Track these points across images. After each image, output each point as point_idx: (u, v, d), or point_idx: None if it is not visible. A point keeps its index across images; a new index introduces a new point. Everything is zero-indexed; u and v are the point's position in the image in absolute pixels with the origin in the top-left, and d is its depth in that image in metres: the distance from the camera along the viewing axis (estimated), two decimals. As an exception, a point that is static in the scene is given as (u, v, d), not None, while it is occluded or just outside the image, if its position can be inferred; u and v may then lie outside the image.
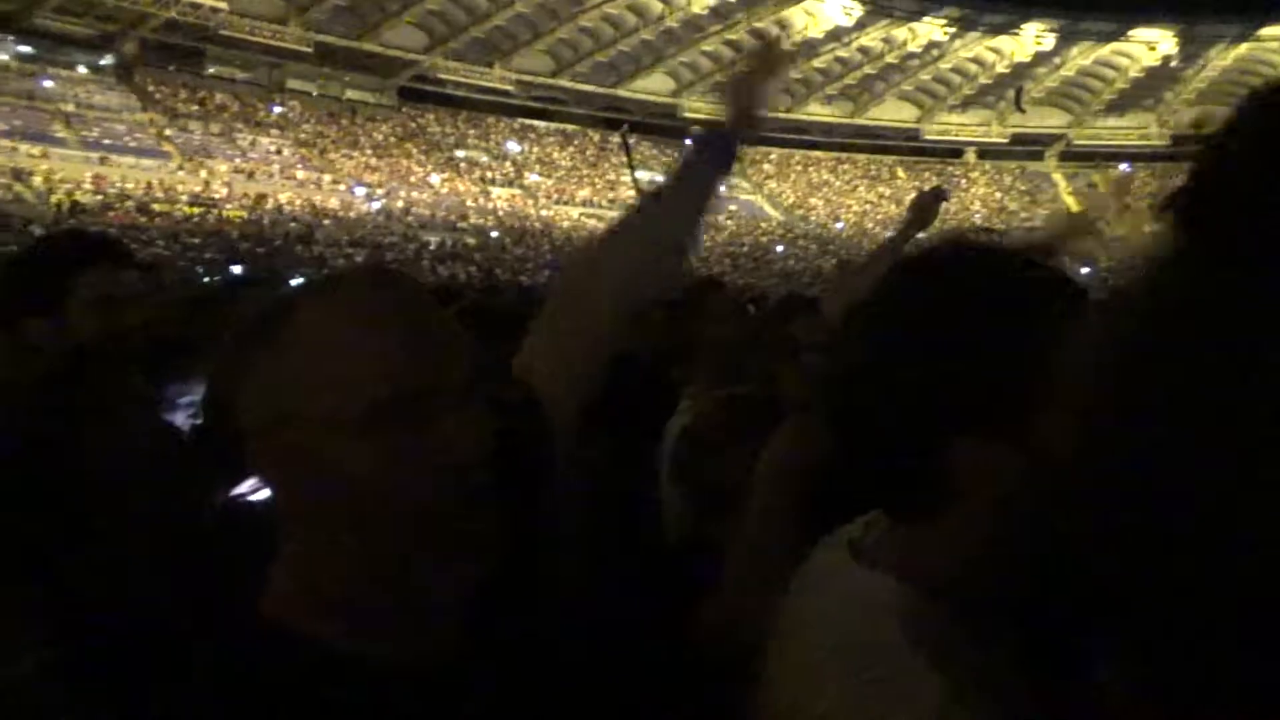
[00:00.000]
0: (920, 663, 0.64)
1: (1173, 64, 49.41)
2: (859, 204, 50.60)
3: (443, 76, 42.89)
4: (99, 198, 27.23)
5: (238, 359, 0.75)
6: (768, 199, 49.90)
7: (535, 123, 47.33)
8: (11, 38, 33.31)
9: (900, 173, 53.41)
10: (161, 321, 2.06)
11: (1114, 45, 49.71)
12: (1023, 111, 51.12)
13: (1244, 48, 47.10)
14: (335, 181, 35.60)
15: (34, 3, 32.76)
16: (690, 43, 46.30)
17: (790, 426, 1.52)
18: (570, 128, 48.42)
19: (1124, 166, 52.13)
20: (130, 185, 28.92)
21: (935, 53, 49.88)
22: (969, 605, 0.66)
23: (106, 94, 34.14)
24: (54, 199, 25.89)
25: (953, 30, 48.59)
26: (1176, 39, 48.34)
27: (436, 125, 43.83)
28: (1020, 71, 50.57)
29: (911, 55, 49.86)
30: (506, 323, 1.79)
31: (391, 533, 0.71)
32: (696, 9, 43.10)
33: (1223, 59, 48.27)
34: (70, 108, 32.09)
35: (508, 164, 43.60)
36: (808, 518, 1.52)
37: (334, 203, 33.41)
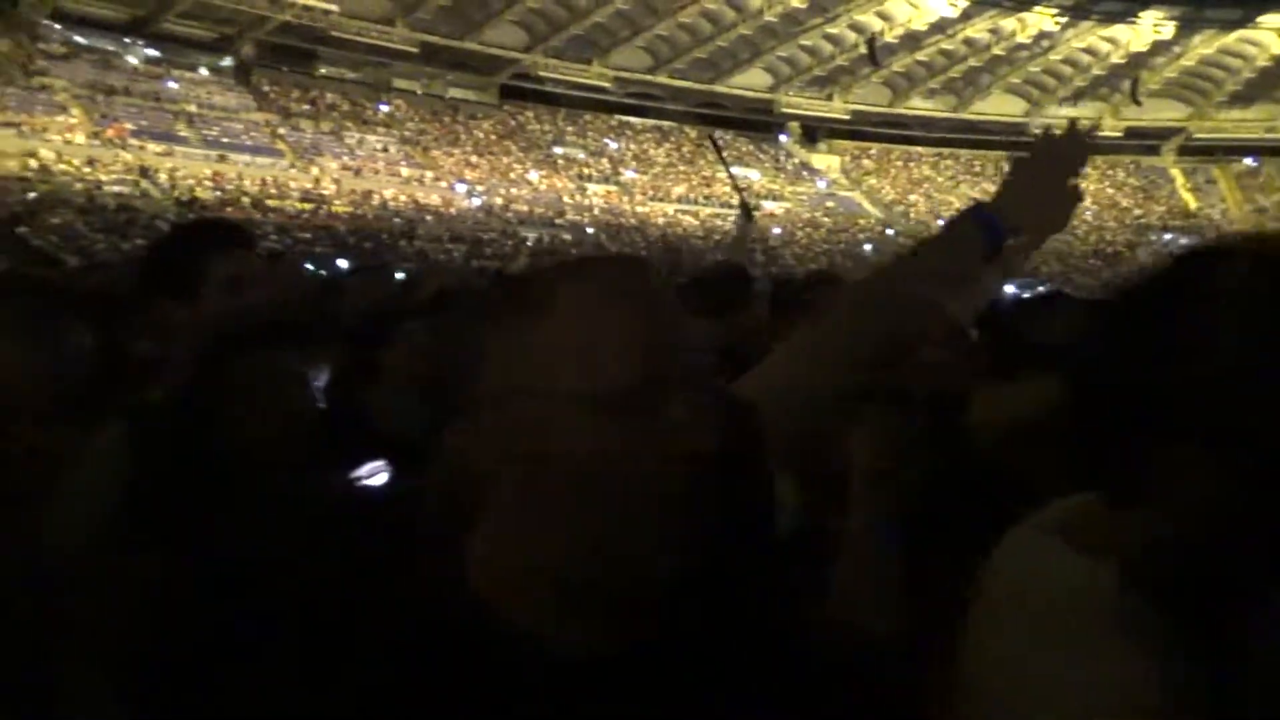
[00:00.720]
0: (1127, 642, 0.66)
1: (1306, 52, 46.56)
2: (962, 201, 49.23)
3: (542, 74, 43.49)
4: (218, 194, 28.55)
5: (473, 330, 0.77)
6: (866, 195, 49.01)
7: (632, 119, 47.55)
8: (140, 42, 35.19)
9: (1007, 168, 51.71)
10: (282, 306, 2.16)
11: (1240, 33, 47.07)
12: (1139, 104, 48.89)
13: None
14: (437, 178, 36.49)
15: (160, 8, 34.51)
16: (788, 37, 45.77)
17: (881, 427, 1.48)
18: (667, 124, 48.49)
19: (1249, 161, 49.34)
20: (246, 182, 30.22)
21: (1045, 43, 48.12)
22: (1171, 586, 0.67)
23: (225, 94, 35.75)
24: (176, 195, 27.26)
25: (1064, 20, 46.78)
26: (1311, 25, 45.54)
27: (535, 122, 44.46)
28: (1137, 62, 48.35)
29: (1020, 46, 48.21)
30: None
31: (611, 516, 0.72)
32: (795, 3, 42.58)
33: (1363, 46, 45.30)
34: (192, 108, 33.71)
35: (604, 161, 43.94)
36: (911, 520, 1.50)
37: (436, 199, 34.26)
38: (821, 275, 3.25)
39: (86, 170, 27.06)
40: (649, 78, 46.63)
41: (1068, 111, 51.92)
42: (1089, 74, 49.85)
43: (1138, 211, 46.97)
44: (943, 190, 50.28)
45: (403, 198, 33.21)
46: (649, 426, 0.71)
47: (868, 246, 39.34)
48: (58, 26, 33.48)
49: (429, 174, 36.57)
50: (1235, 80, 49.03)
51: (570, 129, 45.25)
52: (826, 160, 50.67)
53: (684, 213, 41.56)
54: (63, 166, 26.64)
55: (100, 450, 1.53)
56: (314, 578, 1.48)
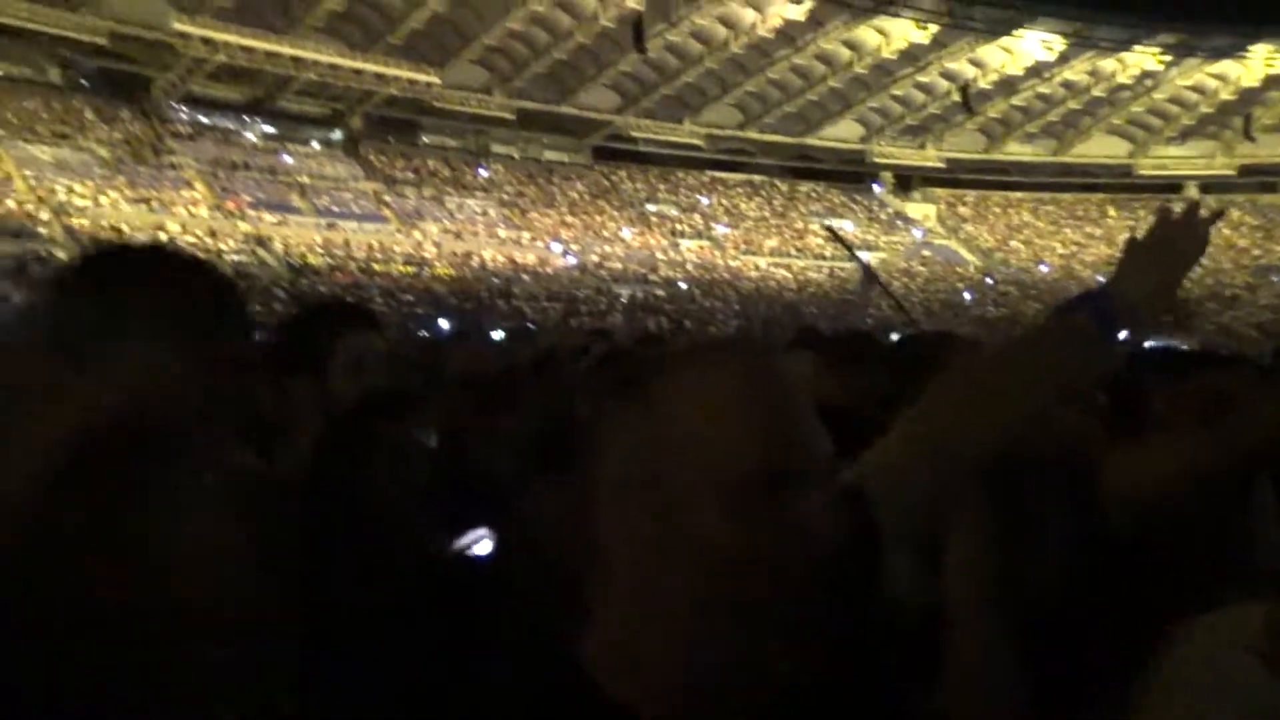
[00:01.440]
0: None
1: None
2: (1065, 245, 47.87)
3: (634, 134, 44.42)
4: (327, 260, 29.89)
5: (600, 414, 0.76)
6: (964, 243, 48.12)
7: (723, 175, 48.01)
8: (259, 119, 37.46)
9: (1111, 211, 50.17)
10: (399, 377, 2.26)
11: (1362, 63, 44.91)
12: (1253, 140, 46.90)
13: None
14: (534, 239, 37.44)
15: (277, 87, 36.69)
16: (879, 88, 45.70)
17: (986, 523, 1.28)
18: (758, 178, 48.77)
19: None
20: (354, 248, 31.57)
21: (1149, 83, 46.77)
22: None
23: (335, 165, 37.62)
24: (289, 261, 28.66)
25: (1168, 58, 45.44)
26: None
27: (628, 181, 45.31)
28: (1249, 98, 46.51)
29: (1122, 87, 46.98)
30: None
31: (729, 608, 0.71)
32: (886, 54, 42.56)
33: None
34: (305, 179, 35.55)
35: (696, 216, 44.37)
36: (1035, 625, 1.32)
37: (532, 259, 35.11)
38: (941, 337, 3.15)
39: (208, 240, 28.73)
40: (739, 133, 47.11)
41: (1175, 151, 50.18)
42: (1197, 112, 48.16)
43: (1256, 252, 44.77)
44: (1044, 235, 49.01)
45: (500, 258, 34.16)
46: (775, 520, 0.70)
47: (967, 295, 38.50)
48: (185, 109, 35.93)
49: (525, 235, 37.56)
50: (1359, 112, 46.66)
51: (662, 186, 45.94)
52: (922, 209, 50.06)
53: (777, 266, 41.50)
54: (187, 238, 28.34)
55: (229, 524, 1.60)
56: (429, 644, 1.53)
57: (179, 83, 34.74)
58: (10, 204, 26.24)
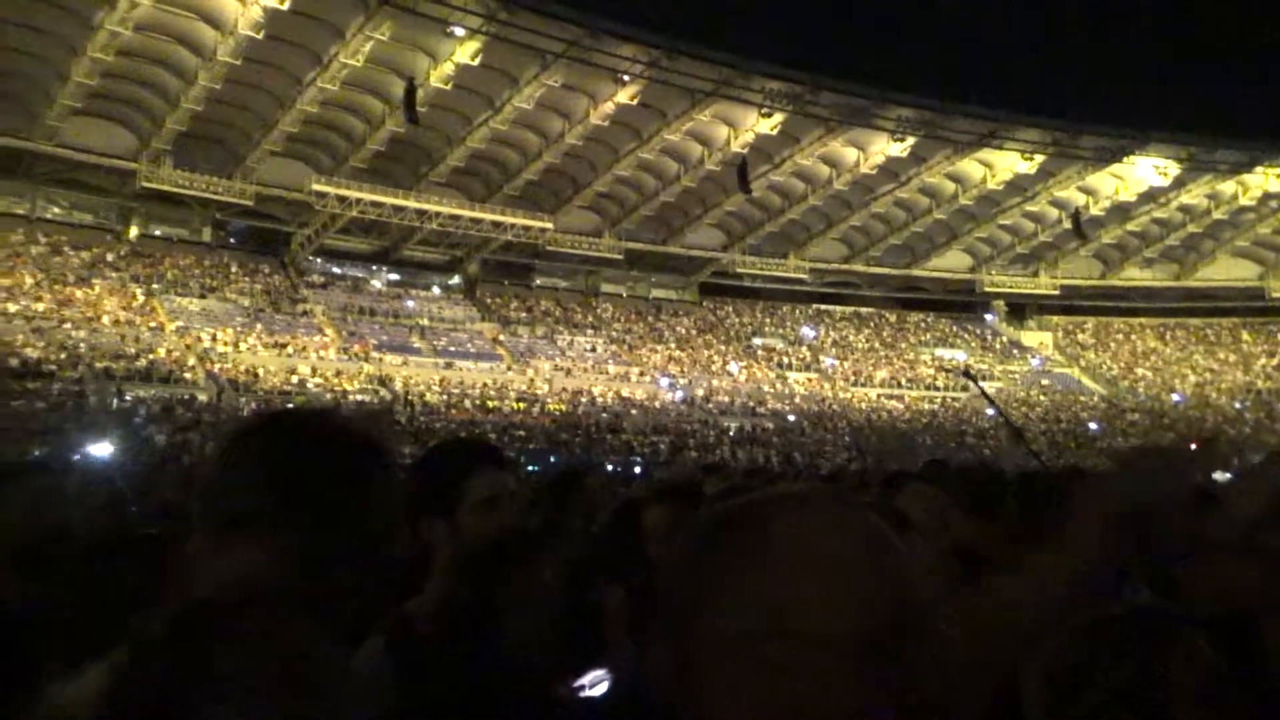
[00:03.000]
0: None
1: None
2: (1196, 372, 45.63)
3: (740, 270, 45.28)
4: (444, 397, 31.01)
5: (701, 568, 0.76)
6: (1086, 371, 46.46)
7: (829, 307, 48.16)
8: (385, 267, 39.95)
9: (1245, 335, 47.83)
10: (525, 516, 2.33)
11: None
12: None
13: None
14: (642, 374, 38.05)
15: (402, 238, 39.19)
16: (986, 218, 45.57)
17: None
18: (865, 310, 48.71)
19: None
20: (470, 385, 32.72)
21: (1274, 204, 45.20)
22: None
23: (453, 308, 39.51)
24: (410, 401, 29.85)
25: (1293, 177, 43.95)
26: None
27: (734, 316, 45.91)
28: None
29: (1244, 209, 45.52)
30: None
31: None
32: (991, 185, 42.61)
33: None
34: (425, 322, 37.39)
35: (803, 349, 44.39)
36: None
37: (640, 393, 35.58)
38: (1070, 473, 3.05)
39: (334, 380, 30.29)
40: (845, 266, 47.43)
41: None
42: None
43: None
44: (1172, 361, 46.93)
45: (610, 394, 34.75)
46: (892, 673, 0.70)
47: (1093, 425, 36.88)
48: (318, 260, 38.69)
49: (634, 370, 38.22)
50: None
51: (768, 320, 46.33)
52: (1037, 337, 48.83)
53: (888, 396, 40.85)
54: (316, 379, 29.97)
55: (366, 662, 1.64)
56: None
57: (314, 237, 37.55)
58: (161, 352, 28.41)
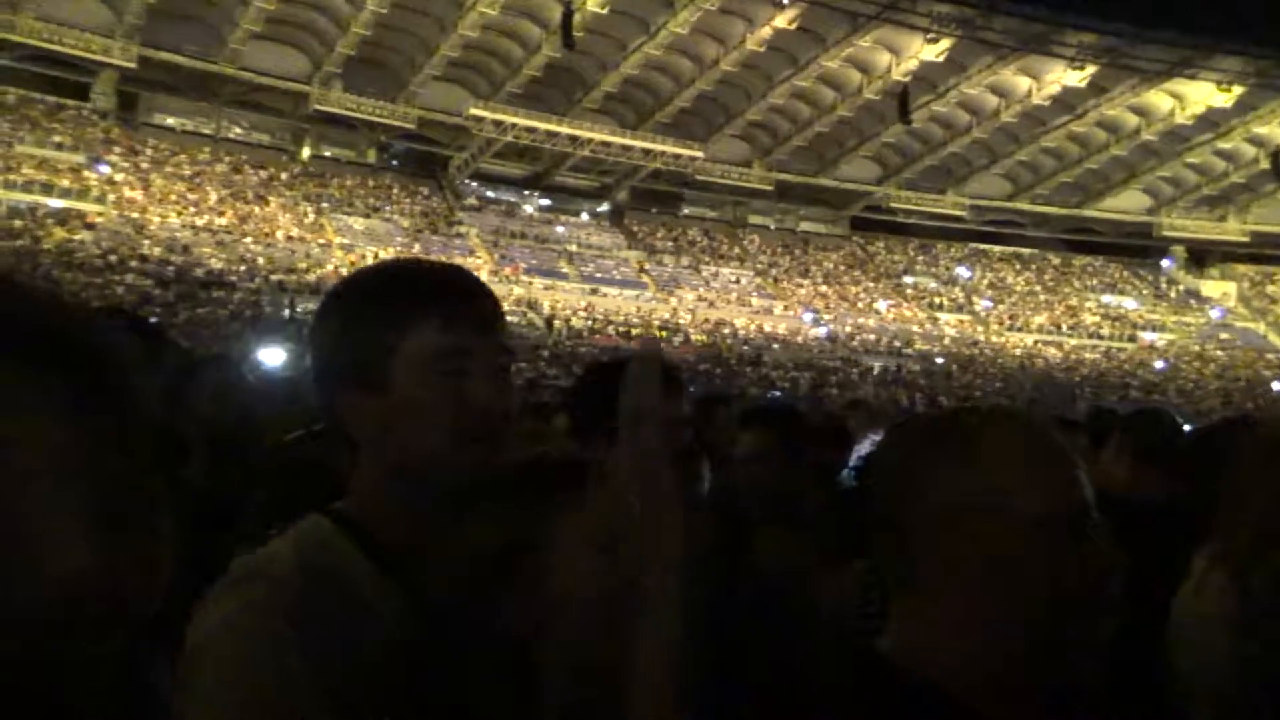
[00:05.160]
0: None
1: None
2: (1404, 332, 41.38)
3: (893, 205, 43.70)
4: (589, 323, 31.63)
5: (922, 458, 0.94)
6: (1275, 327, 42.81)
7: (987, 247, 45.96)
8: (537, 193, 40.70)
9: None
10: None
11: None
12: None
13: None
14: (786, 308, 37.59)
15: (554, 164, 39.73)
16: (1171, 156, 42.06)
17: None
18: (1026, 251, 46.23)
19: None
20: (614, 312, 33.23)
21: None
22: None
23: (601, 235, 39.96)
24: (556, 325, 30.61)
25: None
26: None
27: (885, 252, 44.52)
28: None
29: None
30: None
31: (1047, 615, 0.87)
32: (1180, 119, 39.18)
33: None
34: (573, 248, 38.02)
35: (957, 290, 42.69)
36: None
37: (783, 328, 35.23)
38: (1239, 424, 2.80)
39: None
40: (1008, 204, 45.02)
41: None
42: None
43: None
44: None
45: (752, 327, 34.56)
46: (1078, 549, 0.87)
47: (1277, 385, 34.11)
48: (474, 184, 39.77)
49: (778, 304, 37.79)
50: None
51: (921, 258, 44.69)
52: (1220, 287, 45.18)
53: (1045, 343, 38.93)
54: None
55: None
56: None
57: (470, 161, 38.55)
58: (329, 267, 30.09)
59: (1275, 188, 42.42)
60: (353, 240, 33.25)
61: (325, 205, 35.00)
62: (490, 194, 40.19)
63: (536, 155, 39.05)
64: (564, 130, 36.87)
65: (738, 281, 39.29)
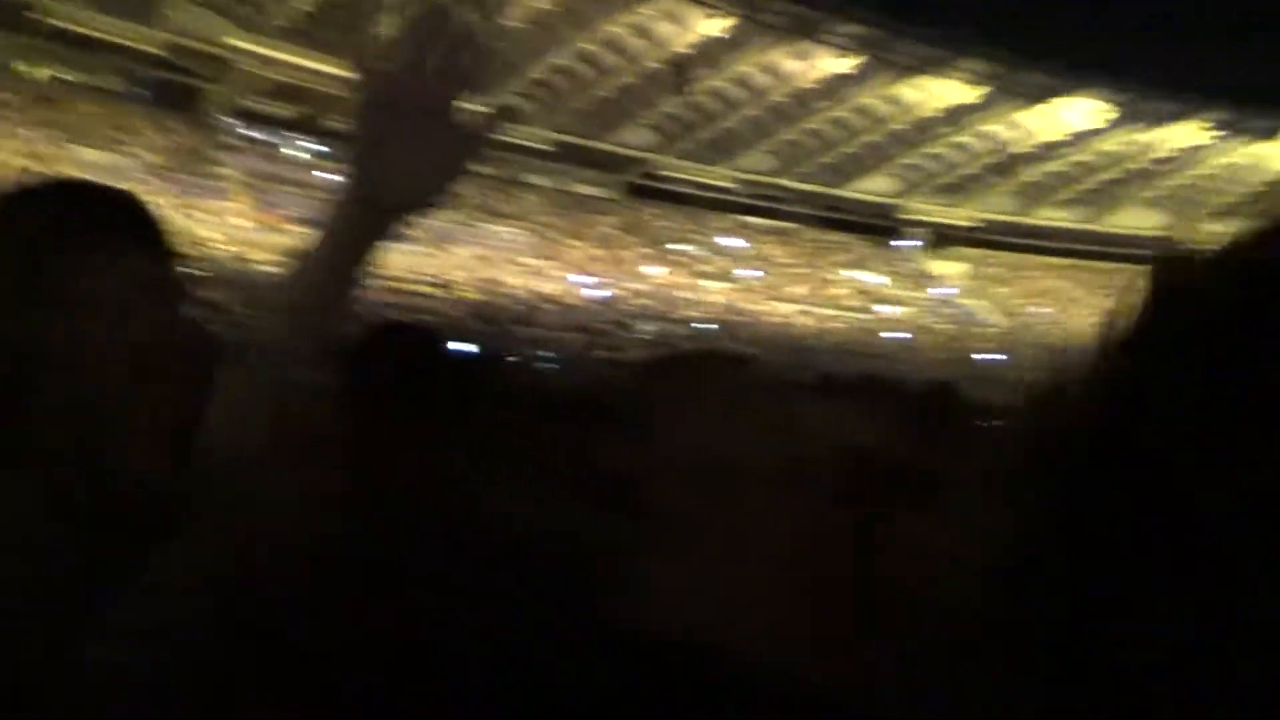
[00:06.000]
0: None
1: None
2: (1090, 310, 47.61)
3: (668, 173, 45.02)
4: (358, 276, 30.43)
5: (650, 409, 0.90)
6: (993, 304, 48.02)
7: (753, 220, 48.46)
8: (305, 136, 38.36)
9: (1142, 283, 49.88)
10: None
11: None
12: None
13: None
14: (560, 269, 37.93)
15: (326, 106, 37.70)
16: (916, 145, 46.07)
17: None
18: (789, 226, 49.14)
19: None
20: (382, 267, 32.07)
21: (1194, 158, 46.73)
22: None
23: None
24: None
25: (1217, 134, 45.35)
26: None
27: (658, 220, 45.83)
28: (1289, 179, 46.29)
29: (1163, 160, 46.99)
30: None
31: (784, 573, 0.84)
32: (928, 112, 42.99)
33: None
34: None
35: (723, 259, 44.73)
36: None
37: (557, 289, 35.56)
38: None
39: (245, 250, 29.44)
40: (773, 180, 47.57)
41: (1216, 227, 49.89)
42: (1237, 190, 48.02)
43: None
44: (1074, 303, 48.82)
45: (525, 287, 34.63)
46: (813, 503, 0.84)
47: (983, 356, 38.15)
48: (234, 122, 36.98)
49: (552, 265, 38.07)
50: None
51: (692, 227, 46.40)
52: (951, 268, 50.11)
53: (802, 314, 41.68)
54: (227, 248, 29.07)
55: None
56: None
57: (230, 97, 35.80)
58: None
59: (1001, 179, 47.59)
60: (89, 175, 30.06)
61: (59, 134, 31.38)
62: (254, 135, 37.53)
63: (305, 96, 36.84)
64: (335, 71, 34.97)
65: (512, 240, 39.15)
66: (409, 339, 2.09)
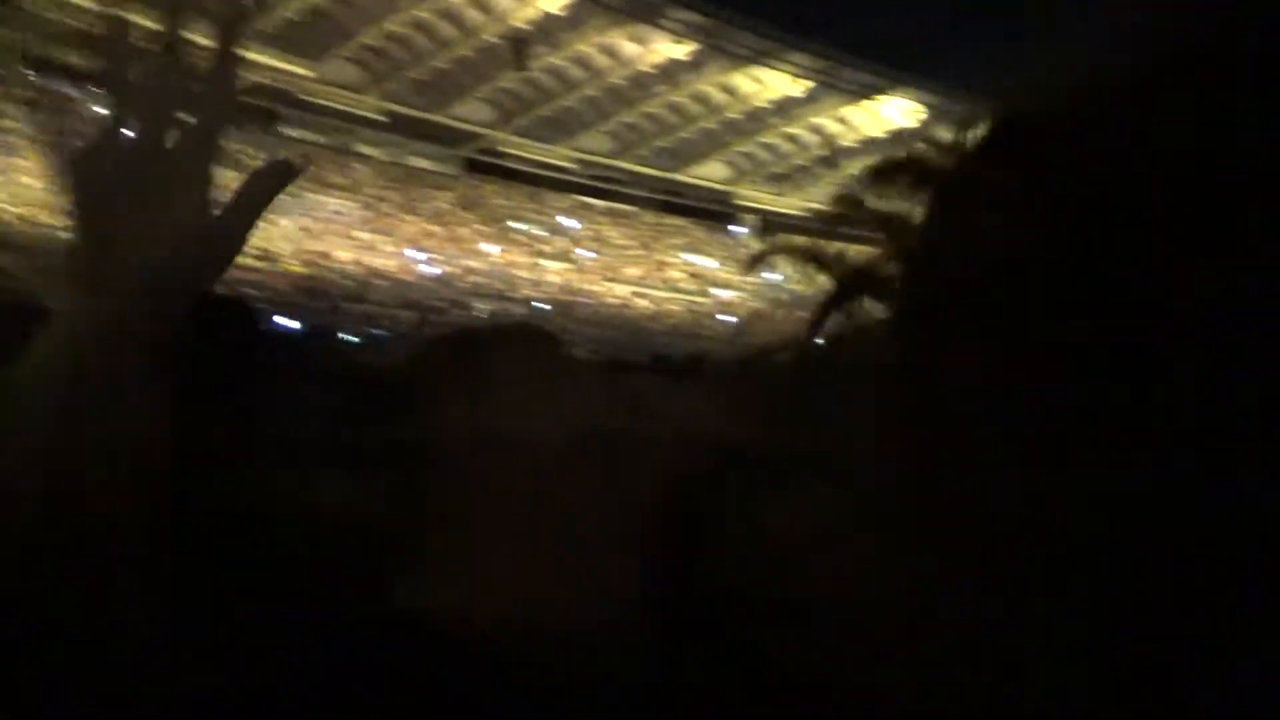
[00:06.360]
0: None
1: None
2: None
3: (506, 150, 44.43)
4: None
5: (435, 388, 0.85)
6: (818, 288, 50.19)
7: (592, 200, 48.61)
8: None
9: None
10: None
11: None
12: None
13: None
14: (394, 244, 36.79)
15: (134, 61, 34.86)
16: (750, 133, 47.46)
17: None
18: (626, 208, 49.60)
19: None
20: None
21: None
22: None
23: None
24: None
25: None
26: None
27: (496, 197, 45.22)
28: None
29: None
30: None
31: (567, 555, 0.78)
32: (759, 103, 44.31)
33: None
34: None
35: (561, 239, 44.67)
36: None
37: (390, 265, 34.50)
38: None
39: (32, 213, 26.90)
40: (612, 161, 47.82)
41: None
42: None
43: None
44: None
45: (356, 262, 33.41)
46: (599, 480, 0.78)
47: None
48: (28, 72, 33.61)
49: (385, 240, 36.87)
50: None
51: (530, 206, 46.06)
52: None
53: (638, 295, 42.20)
54: (12, 209, 26.48)
55: None
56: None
57: (23, 44, 32.53)
58: None
59: (829, 172, 49.69)
60: None
61: None
62: (48, 86, 34.20)
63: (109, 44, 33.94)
64: (142, 22, 32.41)
65: (343, 213, 37.61)
66: (222, 315, 1.97)
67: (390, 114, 40.73)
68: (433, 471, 0.81)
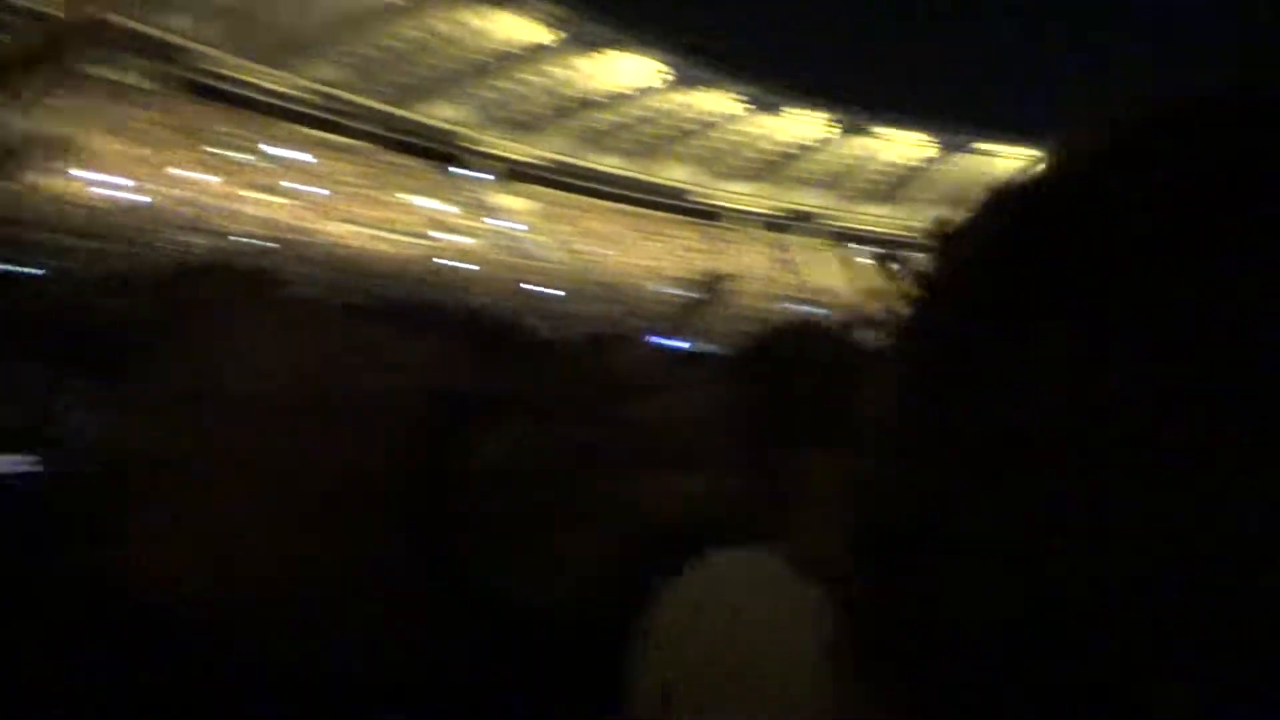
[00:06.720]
0: None
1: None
2: (645, 257, 52.67)
3: (228, 73, 41.04)
4: None
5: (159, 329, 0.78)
6: (553, 241, 50.91)
7: (322, 134, 46.19)
8: None
9: (688, 231, 56.12)
10: None
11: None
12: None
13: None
14: (90, 167, 33.09)
15: None
16: (493, 76, 47.01)
17: None
18: (357, 143, 47.55)
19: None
20: None
21: (726, 122, 53.17)
22: None
23: None
24: None
25: (745, 101, 51.98)
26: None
27: (214, 123, 41.73)
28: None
29: (704, 122, 52.97)
30: None
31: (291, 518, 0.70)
32: (505, 46, 43.97)
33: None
34: None
35: (283, 172, 42.15)
36: None
37: (84, 192, 31.11)
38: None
39: None
40: (344, 94, 45.57)
41: (739, 188, 57.80)
42: (760, 152, 55.89)
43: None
44: (618, 244, 53.49)
45: (44, 187, 29.79)
46: (319, 437, 0.71)
47: (527, 285, 40.23)
48: None
49: (80, 162, 33.05)
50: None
51: (248, 134, 42.91)
52: (518, 203, 52.13)
53: (364, 236, 40.83)
54: None
55: None
56: None
57: None
58: None
59: (566, 122, 50.32)
60: None
61: None
62: None
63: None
64: None
65: (25, 129, 33.20)
66: None
67: (91, 21, 36.24)
68: (141, 426, 0.73)
